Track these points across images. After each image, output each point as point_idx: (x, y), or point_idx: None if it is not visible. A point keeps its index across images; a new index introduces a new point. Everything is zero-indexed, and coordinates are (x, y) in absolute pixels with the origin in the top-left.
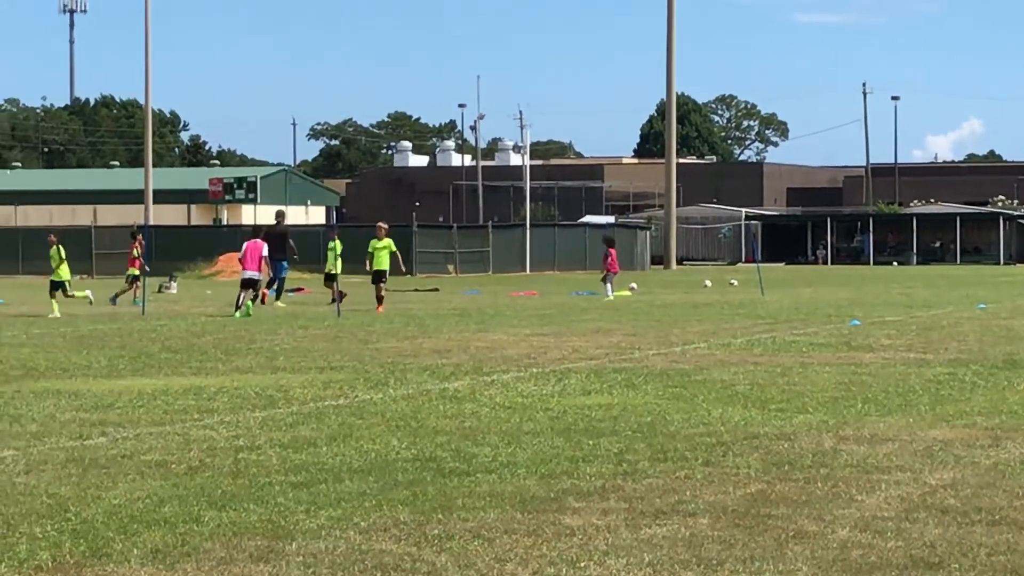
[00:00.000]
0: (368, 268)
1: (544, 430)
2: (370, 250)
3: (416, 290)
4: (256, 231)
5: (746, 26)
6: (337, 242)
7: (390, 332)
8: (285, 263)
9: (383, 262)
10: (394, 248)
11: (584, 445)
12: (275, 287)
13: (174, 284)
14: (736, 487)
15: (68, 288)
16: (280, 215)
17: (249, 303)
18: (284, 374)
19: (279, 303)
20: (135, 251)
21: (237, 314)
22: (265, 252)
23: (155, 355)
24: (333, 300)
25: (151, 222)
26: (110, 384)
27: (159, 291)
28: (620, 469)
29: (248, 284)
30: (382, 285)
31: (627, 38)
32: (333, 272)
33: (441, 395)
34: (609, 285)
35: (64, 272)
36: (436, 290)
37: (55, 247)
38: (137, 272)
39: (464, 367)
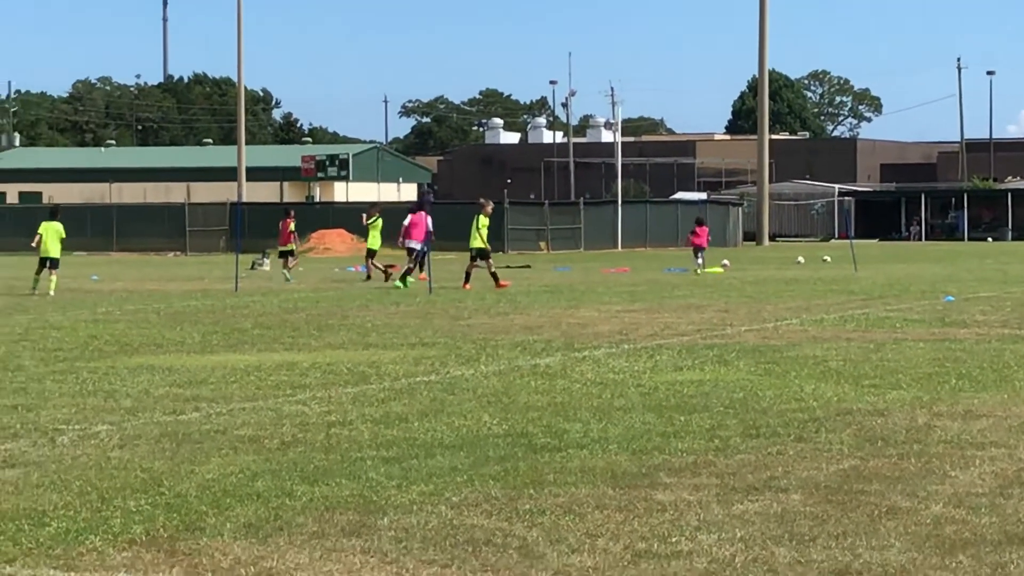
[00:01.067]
0: (473, 244)
1: (635, 406)
2: (480, 227)
3: (508, 267)
4: (419, 204)
5: (839, 1)
6: (378, 218)
7: (481, 309)
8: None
9: (478, 239)
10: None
11: (676, 421)
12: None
13: (267, 261)
14: (829, 463)
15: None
16: (426, 192)
17: (402, 279)
18: (376, 350)
19: (409, 279)
20: (291, 226)
21: (400, 284)
22: (430, 225)
23: (248, 331)
24: (385, 273)
25: (243, 199)
26: (203, 360)
27: (252, 268)
28: (712, 445)
29: (410, 252)
30: (490, 262)
31: (719, 13)
32: (373, 248)
33: (532, 371)
34: (700, 258)
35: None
36: (528, 267)
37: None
38: (293, 247)
39: (555, 343)
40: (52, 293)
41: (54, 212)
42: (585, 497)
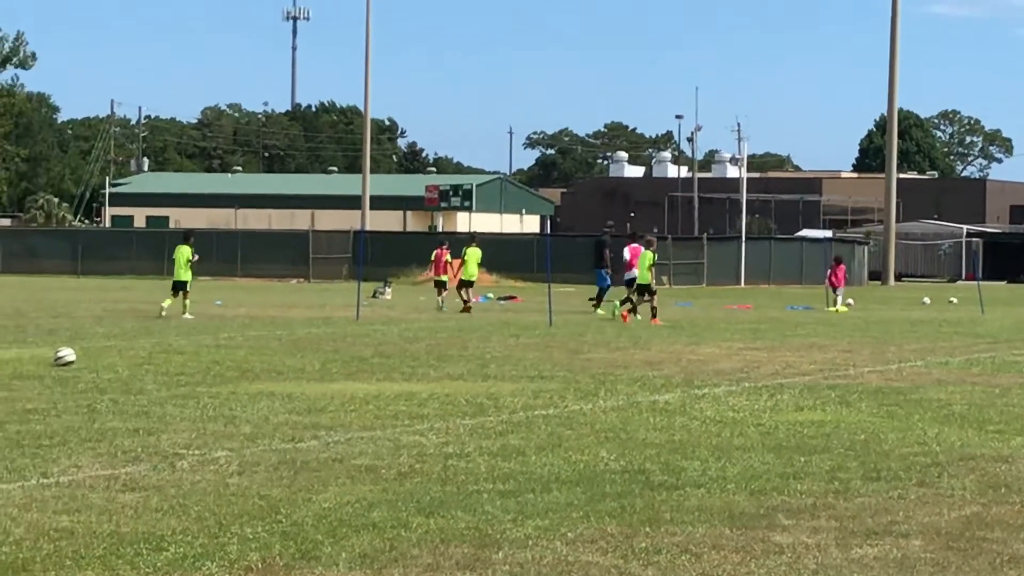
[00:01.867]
0: (642, 280)
1: (755, 445)
2: (649, 263)
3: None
4: (634, 236)
5: (971, 40)
6: (477, 250)
7: (601, 343)
8: (603, 271)
9: (647, 275)
10: (652, 259)
11: (795, 462)
12: (596, 295)
13: (388, 290)
14: (951, 509)
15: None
16: (607, 228)
17: (617, 304)
18: (495, 382)
19: (600, 311)
20: (446, 257)
21: (604, 311)
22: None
23: (368, 360)
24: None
25: (367, 227)
26: (323, 388)
27: (374, 296)
28: (832, 487)
29: (630, 284)
30: (655, 298)
31: (849, 50)
32: (471, 279)
33: (651, 407)
34: (838, 295)
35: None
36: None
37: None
38: (445, 278)
39: (675, 379)
40: (188, 316)
41: (187, 236)
42: (702, 537)
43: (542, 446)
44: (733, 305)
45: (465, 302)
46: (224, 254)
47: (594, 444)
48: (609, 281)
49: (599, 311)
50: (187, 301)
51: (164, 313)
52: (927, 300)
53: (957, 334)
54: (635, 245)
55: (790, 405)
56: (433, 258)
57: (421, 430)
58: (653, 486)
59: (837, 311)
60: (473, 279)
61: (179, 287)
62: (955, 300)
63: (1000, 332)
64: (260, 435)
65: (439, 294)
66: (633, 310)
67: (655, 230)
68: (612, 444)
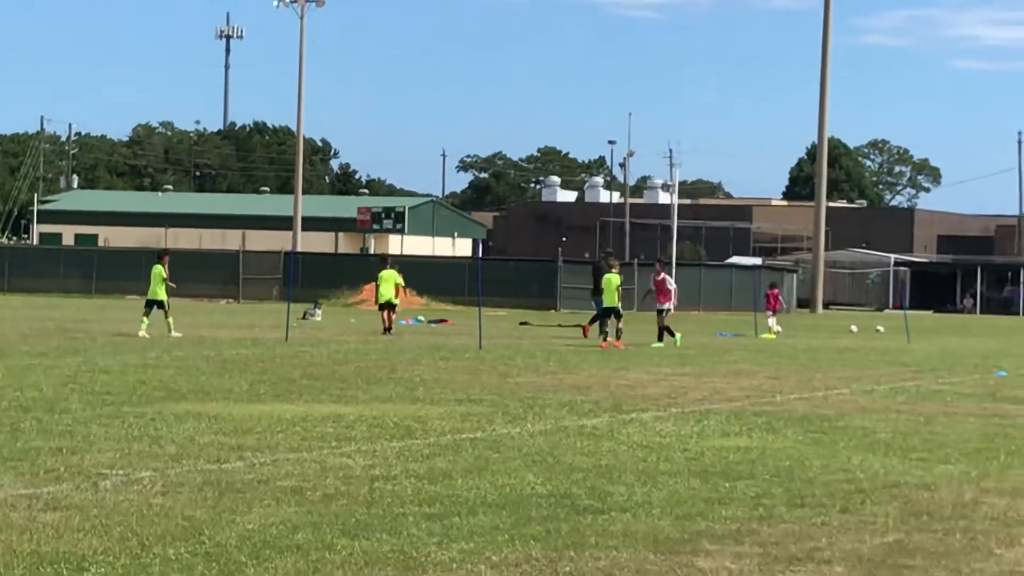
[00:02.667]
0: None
1: (681, 471)
2: (615, 286)
3: (560, 325)
4: (662, 265)
5: (901, 71)
6: (392, 271)
7: (531, 367)
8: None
9: (615, 298)
10: (619, 282)
11: (721, 487)
12: (593, 319)
13: (319, 311)
14: (873, 536)
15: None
16: (603, 255)
17: (678, 335)
18: (423, 405)
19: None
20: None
21: (660, 344)
22: (673, 286)
23: (296, 381)
24: (386, 330)
25: (299, 248)
26: (250, 409)
27: (303, 317)
28: (756, 513)
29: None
30: (621, 320)
31: (780, 79)
32: (392, 301)
33: (579, 432)
34: (771, 320)
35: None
36: (579, 326)
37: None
38: (396, 301)
39: (603, 404)
40: (175, 333)
41: (161, 256)
42: (626, 561)
43: (469, 469)
44: None
45: (386, 325)
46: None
47: (521, 468)
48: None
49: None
50: (169, 320)
51: (143, 334)
52: (854, 328)
53: (883, 362)
54: (666, 276)
55: (716, 431)
56: (377, 279)
57: (348, 452)
58: (579, 510)
59: (770, 336)
60: (389, 301)
61: (153, 305)
62: (882, 329)
63: (926, 361)
64: (185, 455)
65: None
66: (605, 336)
67: (586, 255)
68: (539, 468)
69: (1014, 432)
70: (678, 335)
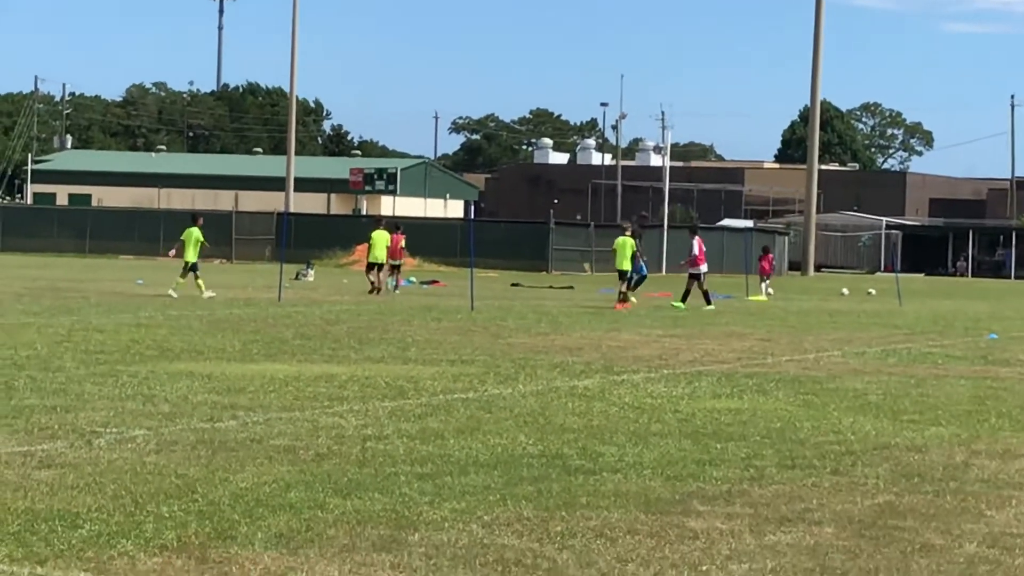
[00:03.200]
0: (624, 266)
1: (672, 432)
2: (629, 249)
3: (551, 287)
4: (693, 230)
5: (894, 34)
6: (383, 232)
7: (522, 328)
8: (644, 262)
9: (625, 261)
10: (633, 246)
11: (712, 449)
12: (632, 282)
13: (311, 271)
14: (864, 497)
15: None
16: (635, 220)
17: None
18: (415, 365)
19: (632, 299)
20: (401, 242)
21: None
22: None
23: (288, 341)
24: (374, 290)
25: (291, 209)
26: (243, 368)
27: (296, 278)
28: (747, 474)
29: (696, 277)
30: (627, 283)
31: (773, 42)
32: (377, 262)
33: (570, 392)
34: (764, 284)
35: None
36: (571, 288)
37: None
38: (400, 262)
39: (595, 366)
40: (208, 293)
41: (195, 218)
42: (617, 521)
43: (461, 429)
44: (654, 293)
45: (373, 284)
46: (146, 234)
47: (513, 428)
48: (646, 270)
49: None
50: (200, 281)
51: (174, 294)
52: (846, 291)
53: (875, 325)
54: (699, 238)
55: (708, 393)
56: (388, 243)
57: (340, 412)
58: (570, 470)
59: (761, 298)
60: (380, 262)
61: (189, 268)
62: (873, 291)
63: (917, 324)
64: (178, 414)
65: (391, 274)
66: (624, 299)
67: (578, 217)
68: (531, 428)
69: (1005, 394)
70: (683, 305)
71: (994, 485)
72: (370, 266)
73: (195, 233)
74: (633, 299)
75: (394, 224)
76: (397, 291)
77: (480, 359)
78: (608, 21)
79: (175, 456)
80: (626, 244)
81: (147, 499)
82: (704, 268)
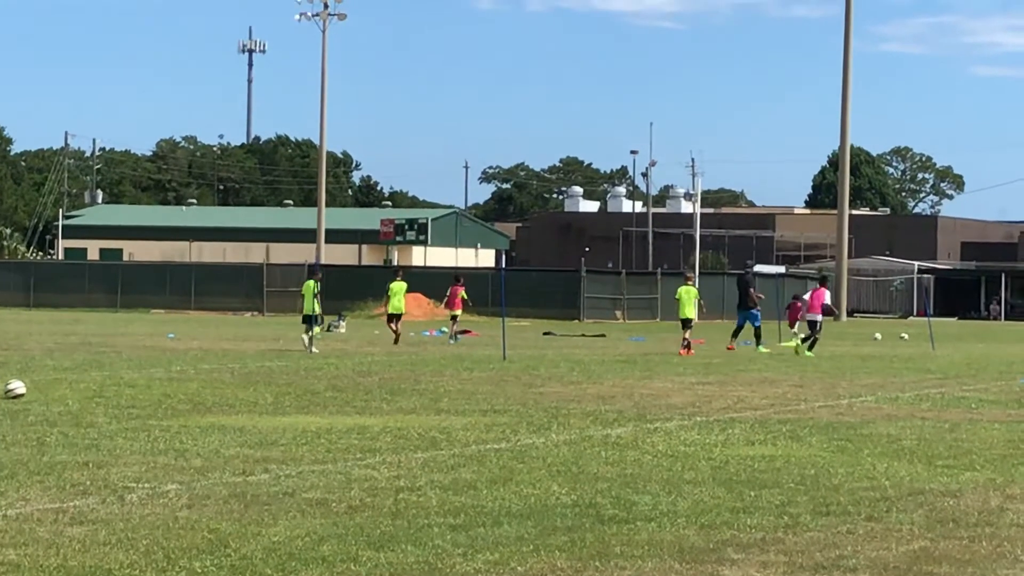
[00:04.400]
0: (689, 315)
1: (706, 480)
2: (677, 297)
3: (583, 335)
4: (823, 280)
5: (923, 78)
6: (401, 283)
7: (555, 377)
8: (755, 311)
9: (689, 309)
10: (696, 295)
11: (746, 496)
12: (754, 334)
13: (343, 323)
14: (899, 543)
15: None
16: (747, 267)
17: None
18: (447, 416)
19: (761, 348)
20: (461, 292)
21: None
22: (827, 300)
23: (321, 393)
24: (397, 339)
25: (322, 261)
26: (275, 421)
27: (328, 330)
28: (781, 522)
29: (812, 325)
30: (690, 331)
31: (802, 88)
32: (398, 313)
33: (603, 441)
34: (794, 330)
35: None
36: (603, 336)
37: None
38: (459, 312)
39: (627, 414)
40: (314, 350)
41: (312, 270)
42: (651, 571)
43: (494, 480)
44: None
45: (396, 334)
46: (178, 287)
47: (546, 478)
48: (759, 320)
49: (761, 348)
50: (313, 335)
51: (314, 350)
52: (879, 336)
53: (908, 370)
54: (819, 288)
55: (741, 439)
56: (448, 293)
57: (373, 464)
58: (604, 520)
59: (783, 346)
60: (400, 312)
61: (309, 320)
62: (906, 336)
63: (950, 368)
64: (211, 468)
65: (452, 326)
66: (688, 346)
67: (609, 264)
68: (563, 478)
69: None
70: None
71: None
72: (390, 317)
73: (311, 286)
74: (764, 349)
75: (454, 276)
76: (453, 342)
77: (512, 409)
78: (637, 69)
79: (207, 511)
80: (689, 293)
81: (179, 554)
82: (819, 317)
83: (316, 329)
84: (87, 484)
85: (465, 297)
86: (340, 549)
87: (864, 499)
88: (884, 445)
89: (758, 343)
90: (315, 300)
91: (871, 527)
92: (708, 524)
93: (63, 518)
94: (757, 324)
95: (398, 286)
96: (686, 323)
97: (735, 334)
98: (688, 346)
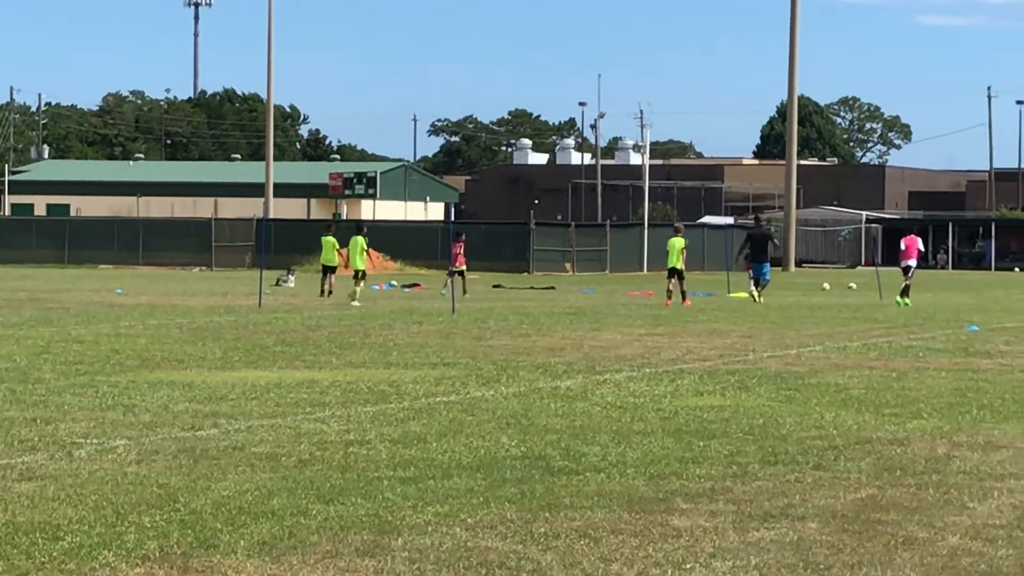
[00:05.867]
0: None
1: (655, 430)
2: (682, 249)
3: (532, 287)
4: (911, 230)
5: (871, 27)
6: (331, 238)
7: (504, 329)
8: (767, 264)
9: (678, 260)
10: (684, 245)
11: (694, 446)
12: (759, 286)
13: (292, 277)
14: (846, 492)
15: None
16: (758, 218)
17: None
18: (397, 369)
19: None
20: (460, 248)
21: (901, 301)
22: (920, 245)
23: (270, 348)
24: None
25: (270, 215)
26: (224, 376)
27: (276, 284)
28: (730, 471)
29: (906, 271)
30: (684, 281)
31: (749, 38)
32: (328, 265)
33: (553, 393)
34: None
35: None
36: (552, 288)
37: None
38: (461, 268)
39: (577, 366)
40: (357, 303)
41: (359, 227)
42: (601, 521)
43: (443, 433)
44: (635, 291)
45: (323, 288)
46: (126, 243)
47: (495, 430)
48: (769, 276)
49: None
50: (358, 288)
51: (356, 303)
52: (827, 286)
53: (856, 319)
54: (911, 236)
55: (690, 390)
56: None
57: (322, 418)
58: (553, 471)
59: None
60: (331, 265)
61: (358, 274)
62: (854, 286)
63: (898, 317)
64: (159, 423)
65: (456, 283)
66: (670, 295)
67: (558, 217)
68: (513, 430)
69: (986, 386)
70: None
71: (976, 477)
72: (323, 269)
73: (360, 242)
74: (740, 295)
75: (456, 232)
76: (444, 294)
77: (462, 362)
78: (585, 20)
79: (156, 466)
80: (675, 244)
81: (128, 509)
82: (913, 262)
83: (362, 284)
84: (35, 440)
85: (462, 252)
86: (290, 503)
87: (812, 448)
88: (832, 394)
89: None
90: (362, 255)
91: (819, 476)
92: (657, 474)
93: (11, 474)
94: (768, 278)
95: (327, 240)
96: (671, 272)
97: (759, 285)
98: (670, 296)
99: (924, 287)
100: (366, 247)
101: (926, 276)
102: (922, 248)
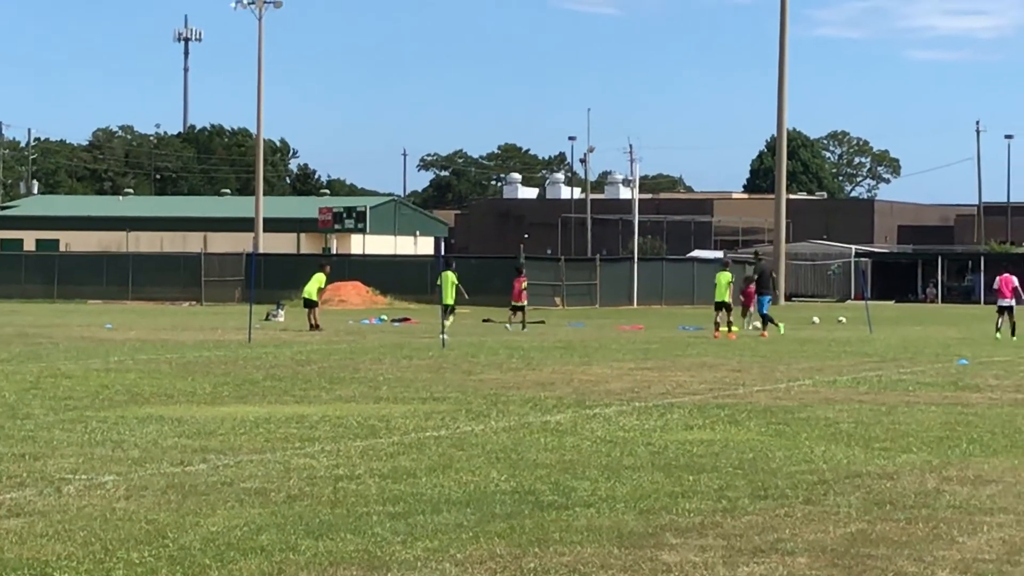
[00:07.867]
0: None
1: (644, 465)
2: (715, 282)
3: (522, 323)
4: (1007, 268)
5: (860, 62)
6: (320, 273)
7: (494, 364)
8: (767, 297)
9: (725, 293)
10: (730, 279)
11: (684, 481)
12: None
13: (282, 312)
14: (836, 526)
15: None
16: (757, 254)
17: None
18: (386, 404)
19: (781, 329)
20: (523, 284)
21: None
22: (1016, 283)
23: (259, 383)
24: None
25: (260, 250)
26: (213, 411)
27: (266, 319)
28: (719, 506)
29: (1002, 311)
30: (728, 313)
31: (739, 73)
32: (308, 299)
33: (542, 428)
34: (749, 317)
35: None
36: (542, 322)
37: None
38: (524, 304)
39: (567, 400)
40: (446, 337)
41: (448, 263)
42: (590, 556)
43: (433, 467)
44: (625, 325)
45: (314, 325)
46: (115, 277)
47: (485, 465)
48: (767, 307)
49: (750, 327)
50: (447, 322)
51: (446, 337)
52: (816, 320)
53: (846, 353)
54: (1005, 276)
55: (680, 424)
56: (321, 284)
57: (312, 452)
58: (543, 506)
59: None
60: (311, 300)
61: (447, 309)
62: (844, 319)
63: (887, 351)
64: (148, 459)
65: (510, 319)
66: (718, 327)
67: (548, 251)
68: (503, 465)
69: (975, 420)
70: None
71: (966, 511)
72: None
73: (451, 277)
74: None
75: (516, 269)
76: (510, 329)
77: (452, 396)
78: (575, 56)
79: (145, 501)
80: (722, 278)
81: (117, 545)
82: (1011, 301)
83: (451, 318)
84: (24, 476)
85: (525, 288)
86: (279, 539)
87: (802, 482)
88: (822, 428)
89: (765, 326)
90: (454, 289)
91: (809, 510)
92: (647, 509)
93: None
94: (764, 312)
95: (316, 276)
96: (718, 306)
97: (764, 321)
98: (729, 328)
99: (913, 320)
100: (455, 282)
101: (915, 310)
102: (1017, 286)
